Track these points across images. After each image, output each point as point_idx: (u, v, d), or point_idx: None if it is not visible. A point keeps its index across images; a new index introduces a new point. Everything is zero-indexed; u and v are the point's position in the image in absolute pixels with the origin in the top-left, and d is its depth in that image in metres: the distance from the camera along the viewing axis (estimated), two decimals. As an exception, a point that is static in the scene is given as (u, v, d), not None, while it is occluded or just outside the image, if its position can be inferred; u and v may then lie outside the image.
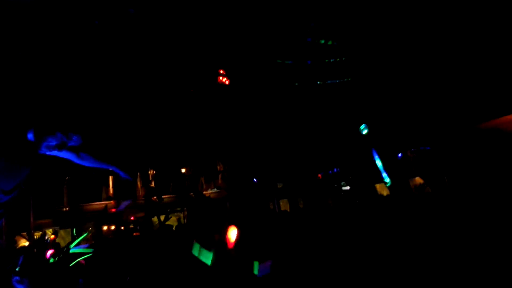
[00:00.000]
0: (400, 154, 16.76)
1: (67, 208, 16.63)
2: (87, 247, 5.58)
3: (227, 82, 9.22)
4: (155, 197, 15.42)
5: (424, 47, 10.88)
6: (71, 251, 5.48)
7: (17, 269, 3.63)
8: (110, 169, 2.83)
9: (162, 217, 8.65)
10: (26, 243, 10.57)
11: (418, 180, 16.78)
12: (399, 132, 14.64)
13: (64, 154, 2.46)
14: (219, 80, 9.14)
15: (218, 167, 20.57)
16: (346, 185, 17.56)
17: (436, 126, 13.10)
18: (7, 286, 3.86)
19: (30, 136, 2.13)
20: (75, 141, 2.31)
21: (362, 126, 12.67)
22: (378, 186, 17.15)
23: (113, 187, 18.55)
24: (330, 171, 18.27)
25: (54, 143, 2.23)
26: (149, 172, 19.32)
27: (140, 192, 18.60)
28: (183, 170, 20.04)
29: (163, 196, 16.61)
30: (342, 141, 14.58)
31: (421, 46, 10.84)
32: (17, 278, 2.87)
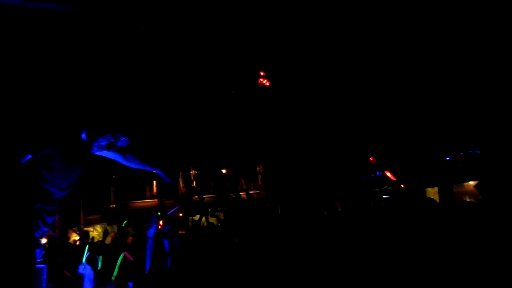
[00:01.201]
0: (448, 158, 16.02)
1: (114, 205, 17.40)
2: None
3: (267, 84, 9.24)
4: (196, 197, 15.75)
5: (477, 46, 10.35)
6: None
7: (84, 258, 3.84)
8: (154, 171, 2.91)
9: (197, 217, 8.81)
10: (77, 237, 11.18)
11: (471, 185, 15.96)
12: (448, 134, 14.01)
13: (111, 155, 2.58)
14: (259, 82, 9.18)
15: (258, 168, 20.67)
16: (388, 190, 17.03)
17: (488, 128, 12.40)
18: (59, 276, 4.09)
19: (83, 136, 2.26)
20: (122, 142, 2.42)
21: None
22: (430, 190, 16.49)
23: (156, 186, 19.16)
24: (373, 175, 17.79)
25: (104, 143, 2.35)
26: (190, 172, 19.77)
27: (182, 191, 19.07)
28: (224, 171, 20.32)
29: (204, 196, 16.94)
30: (386, 143, 14.15)
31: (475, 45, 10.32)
32: (82, 266, 3.10)
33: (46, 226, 2.10)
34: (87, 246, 4.07)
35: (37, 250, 2.04)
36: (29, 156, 2.01)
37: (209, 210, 17.07)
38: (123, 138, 2.42)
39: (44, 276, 2.10)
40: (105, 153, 2.57)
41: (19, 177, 2.03)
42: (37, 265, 2.00)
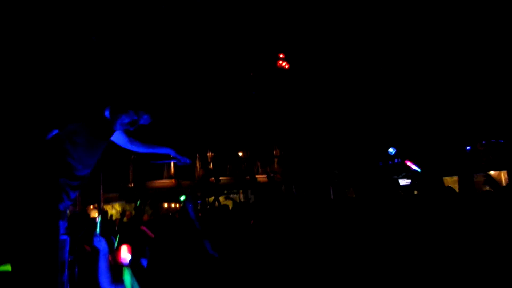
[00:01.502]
0: (469, 147, 15.67)
1: (132, 185, 17.75)
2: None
3: (286, 67, 9.12)
4: (212, 178, 15.90)
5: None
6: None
7: (97, 231, 3.88)
8: (165, 152, 2.88)
9: (211, 199, 8.87)
10: (96, 214, 11.49)
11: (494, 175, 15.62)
12: (469, 123, 13.67)
13: (117, 139, 2.59)
14: (278, 64, 9.06)
15: (274, 152, 20.66)
16: (406, 177, 16.79)
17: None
18: (79, 250, 4.21)
19: (106, 113, 2.28)
20: (144, 120, 2.42)
21: (390, 149, 12.12)
22: (449, 179, 16.22)
23: (174, 167, 19.41)
24: (390, 162, 17.56)
25: (126, 120, 2.36)
26: (207, 154, 19.91)
27: (199, 172, 19.27)
28: (240, 154, 20.39)
29: (220, 178, 17.08)
30: (407, 129, 13.91)
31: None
32: (97, 238, 3.13)
33: (69, 200, 2.15)
34: (99, 218, 4.12)
35: (61, 222, 2.10)
36: (56, 131, 2.05)
37: (225, 192, 17.25)
38: (146, 116, 2.42)
39: (67, 248, 2.17)
40: (113, 137, 2.58)
41: (46, 151, 2.08)
42: (61, 237, 2.06)
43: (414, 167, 10.85)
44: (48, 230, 1.95)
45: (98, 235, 3.15)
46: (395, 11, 9.94)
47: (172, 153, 2.89)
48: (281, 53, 9.01)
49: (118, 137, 2.66)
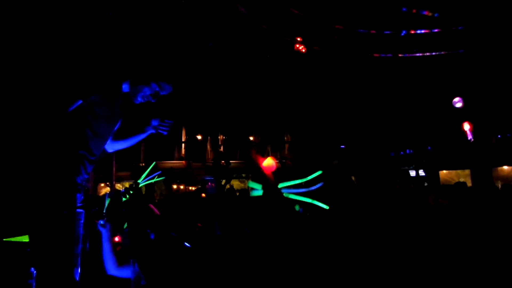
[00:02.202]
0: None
1: (143, 164, 17.95)
2: (158, 175, 5.76)
3: (303, 50, 8.99)
4: (223, 161, 15.98)
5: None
6: (140, 185, 5.79)
7: (104, 212, 3.84)
8: (148, 134, 2.71)
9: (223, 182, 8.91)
10: (108, 191, 11.65)
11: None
12: (485, 116, 13.41)
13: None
14: (295, 48, 8.93)
15: (285, 138, 20.61)
16: (416, 169, 16.63)
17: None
18: (91, 226, 4.26)
19: (125, 86, 2.25)
20: (166, 90, 2.39)
21: (456, 99, 11.62)
22: (454, 173, 16.05)
23: (185, 148, 19.54)
24: (402, 152, 17.39)
25: (148, 92, 2.35)
26: (219, 137, 19.97)
27: (209, 155, 19.38)
28: (251, 138, 20.40)
29: (231, 161, 17.16)
30: (422, 119, 13.71)
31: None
32: (102, 221, 3.09)
33: (86, 174, 2.16)
34: (107, 198, 4.05)
35: (78, 195, 2.12)
36: (79, 102, 2.05)
37: (234, 175, 17.33)
38: (167, 87, 2.40)
39: (82, 220, 2.20)
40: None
41: (69, 123, 2.08)
42: (77, 209, 2.09)
43: (470, 135, 10.53)
44: (65, 202, 1.97)
45: (102, 220, 3.11)
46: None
47: (152, 131, 2.71)
48: (298, 36, 8.87)
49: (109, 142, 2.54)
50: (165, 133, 2.57)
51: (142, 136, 2.61)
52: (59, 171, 1.93)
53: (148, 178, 5.94)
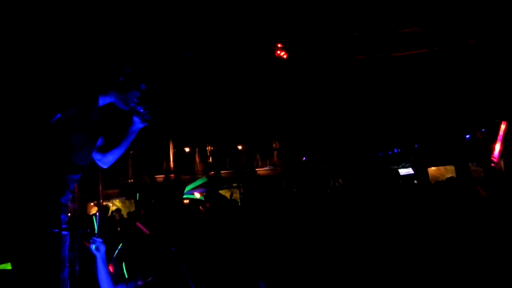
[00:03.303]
0: (468, 136, 15.63)
1: (132, 180, 17.71)
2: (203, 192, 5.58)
3: (285, 57, 9.00)
4: (212, 172, 15.87)
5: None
6: (184, 196, 5.60)
7: (95, 231, 3.68)
8: (136, 133, 2.61)
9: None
10: (95, 210, 11.43)
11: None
12: (469, 110, 13.61)
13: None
14: (276, 54, 8.94)
15: (273, 145, 20.61)
16: (406, 167, 16.77)
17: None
18: (78, 246, 4.12)
19: (102, 100, 2.14)
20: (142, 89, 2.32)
21: None
22: (443, 169, 16.21)
23: (173, 161, 19.36)
24: (390, 152, 17.53)
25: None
26: (207, 148, 19.86)
27: (199, 167, 19.24)
28: (240, 147, 20.35)
29: (220, 172, 17.06)
30: (407, 118, 13.83)
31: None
32: (95, 243, 2.95)
33: (70, 193, 2.07)
34: (96, 217, 3.92)
35: (62, 216, 2.02)
36: (58, 116, 1.95)
37: (225, 185, 17.23)
38: (142, 86, 2.34)
39: (67, 243, 2.09)
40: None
41: (48, 139, 1.98)
42: (62, 232, 1.99)
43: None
44: (50, 225, 1.87)
45: (96, 238, 2.98)
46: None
47: (137, 127, 2.59)
48: (279, 42, 8.89)
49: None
50: (151, 117, 2.47)
51: (133, 134, 2.48)
52: (42, 193, 1.84)
53: (190, 192, 5.73)
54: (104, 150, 2.42)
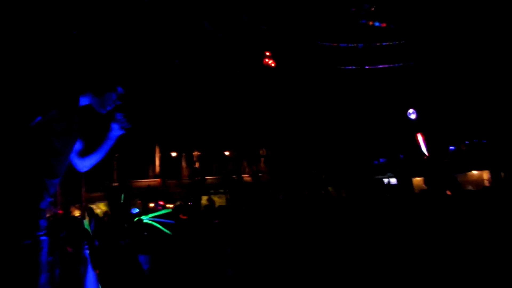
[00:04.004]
0: (452, 147, 15.92)
1: (117, 184, 17.50)
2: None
3: (272, 65, 9.06)
4: (198, 177, 15.79)
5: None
6: (144, 221, 5.58)
7: (90, 234, 3.60)
8: (115, 139, 2.61)
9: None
10: (78, 214, 11.26)
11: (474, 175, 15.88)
12: (453, 123, 13.88)
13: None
14: (264, 62, 8.99)
15: (261, 151, 20.63)
16: (391, 177, 16.93)
17: (495, 117, 12.28)
18: (60, 250, 4.05)
19: (83, 100, 2.11)
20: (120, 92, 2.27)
21: (411, 111, 12.01)
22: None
23: (159, 165, 19.20)
24: (376, 161, 17.69)
25: (114, 97, 2.23)
26: (193, 153, 19.76)
27: (185, 172, 19.13)
28: (227, 153, 20.30)
29: (206, 177, 16.99)
30: (390, 129, 14.03)
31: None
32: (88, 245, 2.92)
33: (49, 197, 2.03)
34: (87, 221, 3.89)
35: (41, 222, 1.98)
36: (39, 119, 1.91)
37: (211, 191, 17.14)
38: (119, 89, 2.30)
39: (45, 249, 2.06)
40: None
41: (29, 141, 1.95)
42: (40, 237, 1.95)
43: (423, 147, 10.81)
44: (28, 231, 1.84)
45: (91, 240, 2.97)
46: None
47: (117, 133, 2.59)
48: (267, 51, 8.96)
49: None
50: (129, 125, 2.46)
51: (111, 140, 2.42)
52: (19, 199, 1.81)
53: (154, 219, 5.72)
54: (83, 154, 2.37)
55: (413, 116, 12.28)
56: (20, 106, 1.87)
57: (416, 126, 12.51)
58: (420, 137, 10.84)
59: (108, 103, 2.16)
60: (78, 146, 2.32)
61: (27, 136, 1.86)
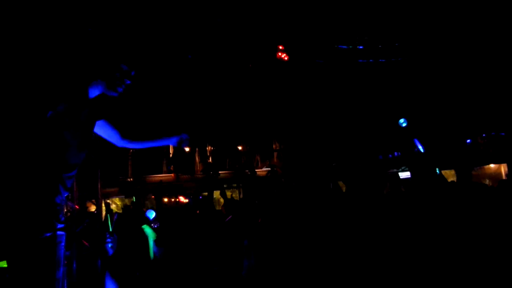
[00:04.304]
0: (469, 140, 15.63)
1: (131, 179, 17.70)
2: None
3: (286, 58, 8.99)
4: (211, 172, 15.86)
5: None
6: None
7: (111, 228, 3.67)
8: (165, 144, 2.75)
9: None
10: (93, 209, 11.44)
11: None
12: (469, 115, 13.61)
13: (108, 135, 2.40)
14: (277, 56, 8.93)
15: (273, 146, 20.60)
16: (406, 171, 16.71)
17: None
18: (77, 245, 4.11)
19: (92, 91, 2.09)
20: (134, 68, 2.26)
21: (402, 120, 11.89)
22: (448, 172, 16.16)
23: (173, 160, 19.33)
24: (391, 155, 17.49)
25: (118, 75, 2.21)
26: (207, 148, 19.85)
27: (198, 167, 19.23)
28: (240, 147, 20.33)
29: (220, 172, 17.04)
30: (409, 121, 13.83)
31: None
32: (110, 240, 2.98)
33: (66, 191, 2.05)
34: (108, 216, 3.92)
35: (59, 216, 2.00)
36: (50, 113, 1.91)
37: (224, 186, 17.20)
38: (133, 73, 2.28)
39: (63, 243, 2.08)
40: (104, 134, 2.44)
41: (41, 138, 1.96)
42: (57, 232, 1.98)
43: (419, 146, 10.72)
44: (44, 228, 1.86)
45: (112, 237, 3.01)
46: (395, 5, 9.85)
47: (170, 143, 2.74)
48: (280, 44, 8.89)
49: (109, 133, 2.48)
50: (187, 145, 2.66)
51: (162, 143, 2.65)
52: (36, 194, 1.82)
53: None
54: (134, 139, 2.53)
55: (404, 125, 12.19)
56: (30, 101, 1.87)
57: (408, 132, 12.40)
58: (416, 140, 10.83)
59: (116, 83, 2.12)
60: (114, 132, 2.41)
61: (38, 130, 1.87)
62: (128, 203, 16.83)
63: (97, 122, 2.31)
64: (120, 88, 2.17)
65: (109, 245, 2.91)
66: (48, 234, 1.87)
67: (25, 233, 1.83)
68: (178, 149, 2.71)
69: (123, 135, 2.52)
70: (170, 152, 19.36)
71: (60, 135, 1.95)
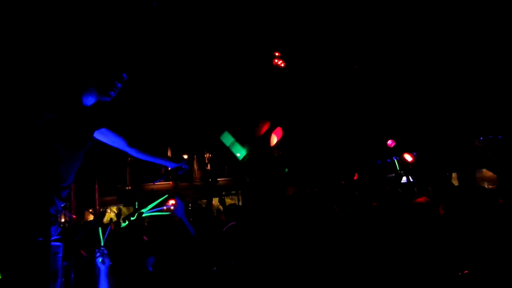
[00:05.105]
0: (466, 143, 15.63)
1: (130, 187, 17.65)
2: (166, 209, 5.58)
3: (282, 65, 9.02)
4: (210, 179, 15.84)
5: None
6: (144, 214, 5.61)
7: (102, 242, 3.58)
8: (163, 164, 2.80)
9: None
10: (91, 218, 11.37)
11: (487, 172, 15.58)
12: (466, 118, 13.64)
13: (112, 141, 2.38)
14: (274, 63, 8.96)
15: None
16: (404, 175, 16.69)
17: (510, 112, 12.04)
18: (74, 255, 4.06)
19: (88, 99, 2.06)
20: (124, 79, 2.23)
21: (389, 142, 12.04)
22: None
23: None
24: (389, 159, 17.50)
25: (120, 85, 2.18)
26: (205, 156, 19.82)
27: (197, 174, 19.19)
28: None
29: (218, 179, 17.03)
30: (405, 126, 13.87)
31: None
32: (101, 257, 2.94)
33: (61, 201, 2.01)
34: (100, 229, 3.86)
35: (53, 228, 1.97)
36: (38, 123, 1.88)
37: (223, 193, 17.17)
38: (124, 75, 2.24)
39: (60, 254, 2.05)
40: (110, 141, 2.43)
41: (33, 148, 1.92)
42: (53, 243, 1.94)
43: (410, 159, 10.73)
44: (38, 238, 1.83)
45: (102, 250, 2.96)
46: (394, 8, 9.91)
47: (170, 166, 2.78)
48: (276, 51, 8.92)
49: (113, 140, 2.46)
50: (187, 170, 2.81)
51: (163, 163, 2.80)
52: (29, 204, 1.78)
53: (154, 210, 5.72)
54: (142, 149, 2.59)
55: (391, 145, 12.34)
56: (22, 109, 1.82)
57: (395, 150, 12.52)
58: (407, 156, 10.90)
59: (107, 87, 2.08)
60: (118, 139, 2.43)
61: (30, 140, 1.82)
62: (126, 212, 16.74)
63: (99, 130, 2.28)
64: (112, 92, 2.14)
65: (99, 260, 2.85)
66: (40, 239, 1.82)
67: (18, 243, 1.78)
68: (174, 170, 2.69)
69: (130, 143, 2.55)
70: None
71: (51, 145, 1.91)
